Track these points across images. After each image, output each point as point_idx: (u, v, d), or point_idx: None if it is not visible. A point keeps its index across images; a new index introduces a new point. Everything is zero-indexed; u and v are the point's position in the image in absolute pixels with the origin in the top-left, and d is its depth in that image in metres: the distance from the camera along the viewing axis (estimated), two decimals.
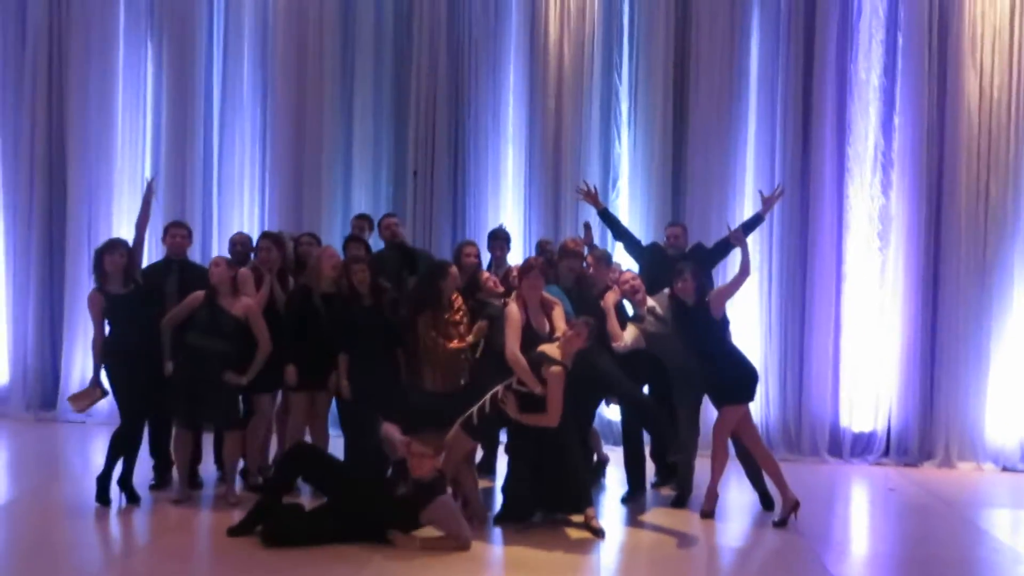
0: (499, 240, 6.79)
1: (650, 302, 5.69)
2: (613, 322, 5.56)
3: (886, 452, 7.59)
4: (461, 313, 5.64)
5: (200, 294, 5.46)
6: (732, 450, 5.70)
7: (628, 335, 5.55)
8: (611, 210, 6.95)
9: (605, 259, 6.03)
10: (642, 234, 7.34)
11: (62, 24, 8.34)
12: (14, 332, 8.34)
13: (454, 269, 5.69)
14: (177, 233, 6.03)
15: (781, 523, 5.36)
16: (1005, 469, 7.37)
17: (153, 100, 8.39)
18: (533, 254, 6.84)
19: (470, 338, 5.56)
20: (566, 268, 5.89)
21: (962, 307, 7.45)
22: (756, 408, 6.07)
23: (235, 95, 8.34)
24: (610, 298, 5.66)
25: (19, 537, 4.91)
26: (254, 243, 6.14)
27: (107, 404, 6.11)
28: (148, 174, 7.84)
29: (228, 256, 5.95)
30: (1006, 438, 7.44)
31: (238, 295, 5.50)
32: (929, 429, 7.53)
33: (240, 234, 6.49)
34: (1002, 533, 5.50)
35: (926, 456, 7.50)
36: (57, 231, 8.34)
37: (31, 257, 8.33)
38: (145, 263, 6.14)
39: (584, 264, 5.99)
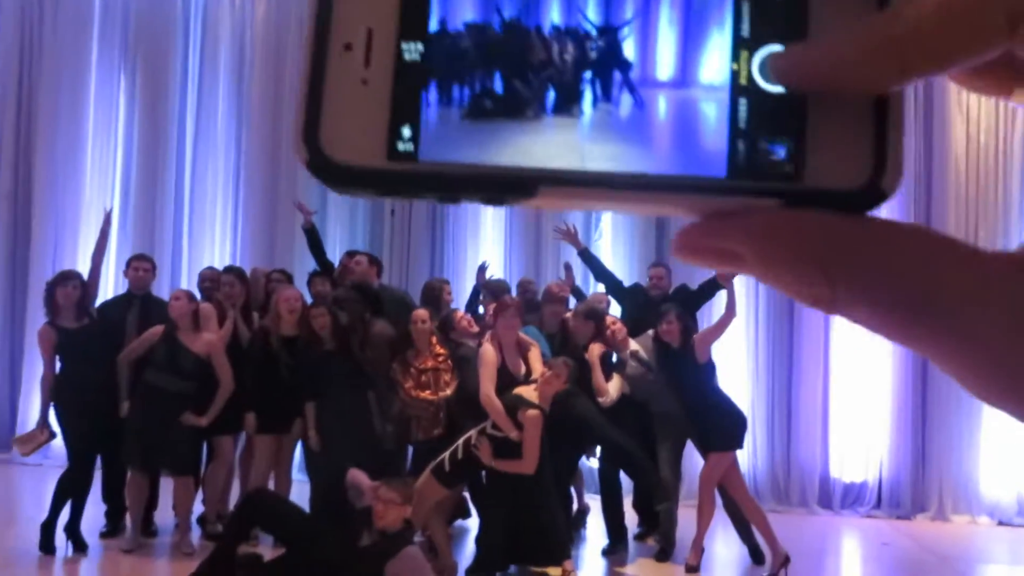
0: (489, 292, 6.51)
1: (633, 345, 5.49)
2: (599, 376, 5.32)
3: (878, 504, 7.33)
4: (441, 359, 5.39)
5: (159, 329, 5.20)
6: (719, 501, 5.43)
7: (613, 389, 5.32)
8: (593, 250, 6.75)
9: (587, 315, 5.80)
10: (625, 275, 7.14)
11: (33, 51, 8.18)
12: None
13: (420, 312, 5.46)
14: (140, 266, 5.79)
15: None
16: (1001, 523, 7.12)
17: (124, 131, 8.22)
18: (514, 294, 6.61)
19: (445, 391, 5.32)
20: (550, 313, 5.69)
21: None
22: (743, 457, 5.83)
23: (209, 127, 8.17)
24: (595, 350, 5.42)
25: None
26: None
27: (61, 446, 5.79)
28: (112, 206, 7.60)
29: (189, 290, 5.70)
30: (1002, 491, 7.20)
31: (199, 331, 5.24)
32: (922, 480, 7.30)
33: (209, 269, 6.26)
34: None
35: (919, 508, 7.25)
36: (20, 265, 8.09)
37: None
38: (105, 297, 5.88)
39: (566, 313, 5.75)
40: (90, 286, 5.39)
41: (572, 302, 6.33)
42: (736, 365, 7.37)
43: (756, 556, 5.44)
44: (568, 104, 0.35)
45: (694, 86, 0.35)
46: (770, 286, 0.34)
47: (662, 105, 0.35)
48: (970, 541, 6.60)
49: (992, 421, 7.21)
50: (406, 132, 0.34)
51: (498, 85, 0.35)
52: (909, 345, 0.32)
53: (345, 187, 0.35)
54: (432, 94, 0.35)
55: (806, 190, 0.34)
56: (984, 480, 7.21)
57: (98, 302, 5.69)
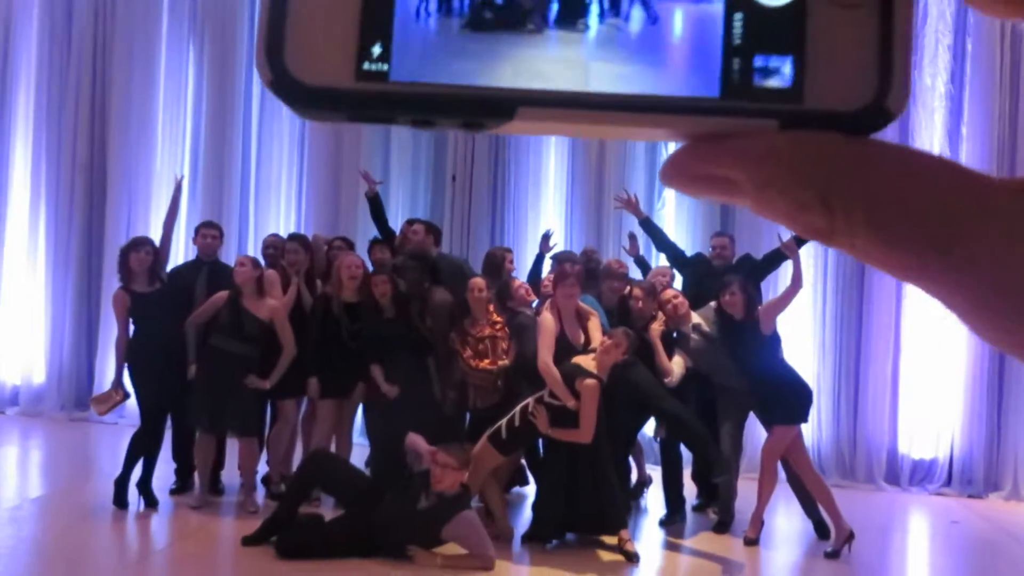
0: (559, 261, 6.45)
1: (695, 318, 5.40)
2: (662, 356, 5.24)
3: (948, 481, 7.10)
4: (498, 327, 5.40)
5: (224, 294, 5.31)
6: (781, 475, 5.34)
7: (677, 367, 5.24)
8: (656, 220, 6.64)
9: (651, 292, 5.72)
10: (688, 245, 7.03)
11: (106, 27, 8.36)
12: (52, 333, 8.34)
13: (477, 281, 5.45)
14: (208, 233, 5.91)
15: (833, 554, 4.98)
16: None
17: (193, 102, 8.36)
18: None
19: (503, 360, 5.33)
20: (608, 289, 5.62)
21: None
22: (807, 430, 5.71)
23: (275, 98, 8.24)
24: (655, 329, 5.34)
25: (39, 535, 4.86)
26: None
27: (135, 406, 6.01)
28: (183, 174, 7.79)
29: (254, 257, 5.80)
30: None
31: (263, 297, 5.34)
32: (996, 458, 7.04)
33: (273, 236, 6.36)
34: None
35: (992, 487, 7.00)
36: (96, 232, 8.34)
37: (70, 258, 8.34)
38: (175, 263, 6.04)
39: (628, 290, 5.66)
40: (161, 252, 5.52)
41: (637, 273, 6.25)
42: (802, 337, 7.19)
43: (821, 530, 5.32)
44: (542, 18, 0.32)
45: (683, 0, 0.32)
46: (766, 216, 0.31)
47: (644, 21, 0.32)
48: None
49: None
50: (376, 50, 0.32)
51: None
52: (909, 280, 0.29)
53: (311, 110, 0.33)
54: (405, 9, 0.32)
55: (805, 111, 0.31)
56: None
57: (169, 267, 5.84)
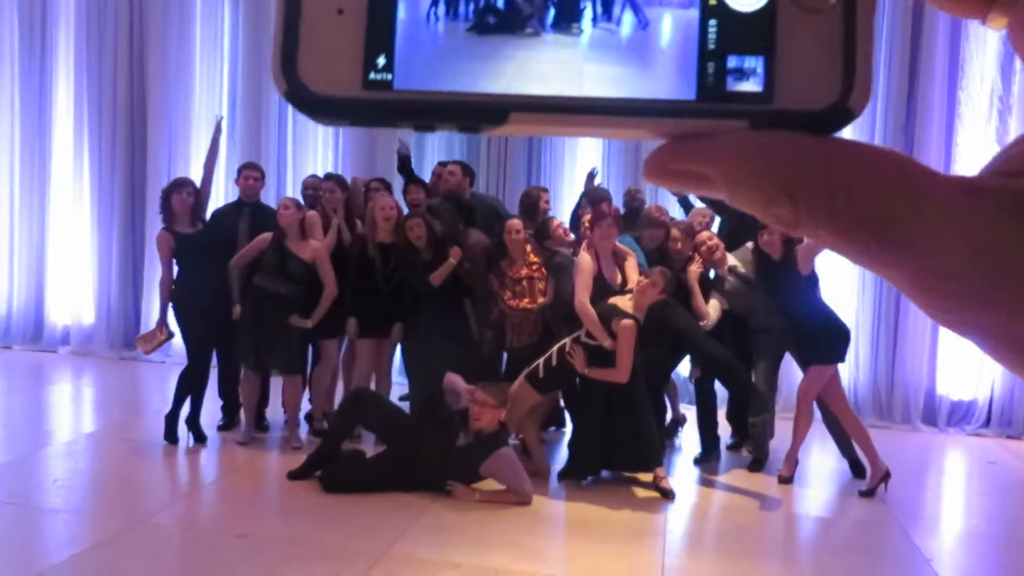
0: (592, 200, 6.41)
1: (731, 260, 5.37)
2: (699, 299, 5.23)
3: (987, 422, 7.06)
4: (535, 267, 5.42)
5: (268, 236, 5.39)
6: (817, 415, 5.35)
7: (713, 311, 5.23)
8: None
9: (690, 232, 5.68)
10: None
11: None
12: (99, 273, 8.54)
13: (513, 223, 5.45)
14: (250, 175, 5.95)
15: (869, 493, 5.02)
16: None
17: (230, 43, 8.35)
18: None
19: (542, 299, 5.36)
20: (649, 236, 5.58)
21: None
22: (844, 371, 5.69)
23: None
24: (693, 272, 5.31)
25: (95, 468, 5.07)
26: None
27: (181, 345, 6.16)
28: (222, 114, 7.82)
29: (296, 199, 5.86)
30: None
31: (306, 238, 5.41)
32: None
33: (312, 177, 6.40)
34: None
35: None
36: (138, 172, 8.46)
37: (114, 198, 8.49)
38: (217, 204, 6.11)
39: (667, 232, 5.61)
40: (202, 193, 5.59)
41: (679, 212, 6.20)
42: (842, 276, 7.12)
43: (856, 469, 5.35)
44: (539, 22, 0.35)
45: (663, 5, 0.34)
46: (739, 207, 0.34)
47: (631, 27, 0.34)
48: None
49: None
50: (380, 61, 0.34)
51: (470, 9, 0.35)
52: (868, 267, 0.32)
53: (324, 117, 0.35)
54: (407, 23, 0.34)
55: (774, 111, 0.33)
56: None
57: (211, 209, 5.91)
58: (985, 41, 7.02)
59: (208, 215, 5.75)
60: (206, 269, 5.41)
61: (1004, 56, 7.01)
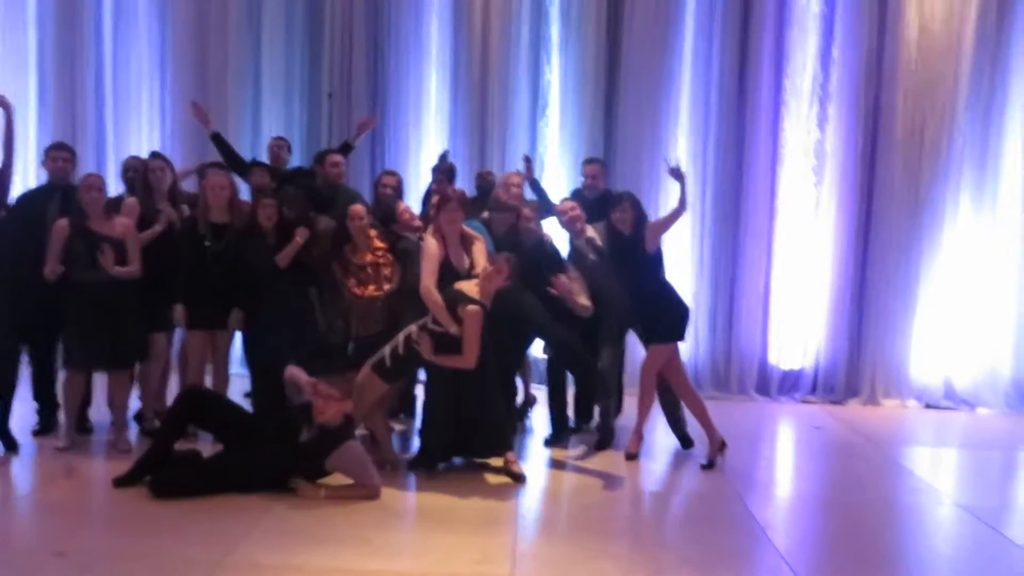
0: (441, 173, 6.29)
1: (590, 231, 5.44)
2: (575, 301, 5.18)
3: (813, 390, 7.54)
4: (380, 253, 5.27)
5: (64, 223, 4.93)
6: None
7: (585, 299, 5.23)
8: (539, 141, 6.59)
9: (542, 209, 5.64)
10: (572, 165, 7.02)
11: None
12: None
13: (357, 209, 5.29)
14: (58, 156, 5.43)
15: (709, 465, 5.22)
16: (928, 406, 7.40)
17: (37, 15, 7.61)
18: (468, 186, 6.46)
19: (388, 286, 5.22)
20: (498, 221, 5.52)
21: (893, 245, 7.36)
22: (685, 345, 5.90)
23: (129, 6, 7.63)
24: (559, 285, 5.19)
25: None
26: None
27: None
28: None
29: (98, 173, 5.41)
30: (929, 376, 7.45)
31: (110, 215, 4.99)
32: (856, 367, 7.50)
33: (133, 159, 5.91)
34: (924, 471, 5.46)
35: (852, 393, 7.48)
36: None
37: None
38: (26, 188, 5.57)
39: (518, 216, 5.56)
40: (3, 178, 5.05)
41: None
42: (682, 255, 7.38)
43: (685, 442, 5.59)
44: None
45: None
46: None
47: None
48: (898, 424, 6.84)
49: (923, 309, 7.39)
50: None
51: None
52: None
53: None
54: None
55: None
56: (914, 366, 7.44)
57: (20, 193, 5.39)
58: (807, 31, 7.40)
59: (14, 200, 5.21)
60: (12, 258, 4.91)
61: (823, 47, 7.41)
